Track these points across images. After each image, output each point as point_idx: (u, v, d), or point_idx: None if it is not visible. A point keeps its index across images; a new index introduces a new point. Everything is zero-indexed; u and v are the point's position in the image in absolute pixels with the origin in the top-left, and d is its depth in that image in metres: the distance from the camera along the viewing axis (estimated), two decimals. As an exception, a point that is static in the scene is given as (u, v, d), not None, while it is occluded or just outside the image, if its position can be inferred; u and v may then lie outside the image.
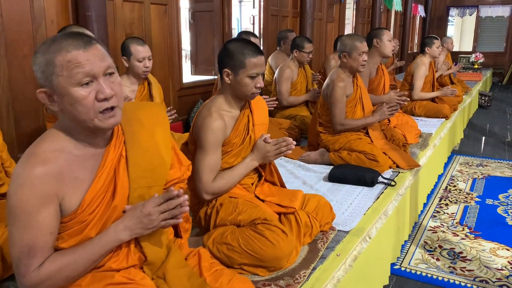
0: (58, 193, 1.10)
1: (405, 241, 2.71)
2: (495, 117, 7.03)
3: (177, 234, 1.46)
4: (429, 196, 3.47)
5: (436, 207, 3.29)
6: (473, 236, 2.82)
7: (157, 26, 3.97)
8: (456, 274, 2.37)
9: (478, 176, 4.04)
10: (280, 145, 1.83)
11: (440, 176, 3.96)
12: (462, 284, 2.28)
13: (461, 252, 2.61)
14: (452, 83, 6.08)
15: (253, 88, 1.75)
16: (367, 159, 2.77)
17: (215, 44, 4.94)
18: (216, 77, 4.11)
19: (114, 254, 1.21)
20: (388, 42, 3.57)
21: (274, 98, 3.07)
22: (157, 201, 1.19)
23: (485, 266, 2.45)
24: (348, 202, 2.33)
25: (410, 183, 2.78)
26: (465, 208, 3.29)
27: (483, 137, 5.68)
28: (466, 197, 3.51)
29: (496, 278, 2.33)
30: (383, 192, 2.48)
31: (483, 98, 7.76)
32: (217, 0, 4.85)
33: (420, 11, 11.99)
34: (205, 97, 4.58)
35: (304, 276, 1.59)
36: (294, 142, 1.85)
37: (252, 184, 1.92)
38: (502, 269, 2.42)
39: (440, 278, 2.34)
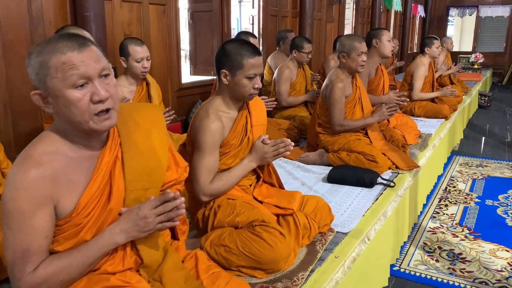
0: (53, 196, 1.09)
1: (404, 242, 2.70)
2: (495, 118, 7.01)
3: (174, 236, 1.45)
4: (428, 197, 3.46)
5: (435, 208, 3.28)
6: (473, 237, 2.81)
7: (156, 27, 3.96)
8: (456, 276, 2.36)
9: (478, 177, 4.03)
10: (278, 146, 1.82)
11: (439, 177, 3.95)
12: (462, 285, 2.27)
13: (460, 253, 2.60)
14: (451, 83, 6.07)
15: (251, 89, 1.74)
16: (366, 160, 2.76)
17: (214, 44, 4.93)
18: (215, 77, 4.10)
19: (110, 257, 1.20)
20: (387, 43, 3.56)
21: (273, 98, 3.06)
22: (153, 204, 1.18)
23: (484, 267, 2.44)
24: (347, 203, 2.32)
25: (410, 184, 2.77)
26: (465, 209, 3.28)
27: (483, 138, 5.67)
28: (465, 198, 3.50)
29: (496, 280, 2.32)
30: (382, 193, 2.47)
31: (483, 98, 7.75)
32: (216, 0, 4.84)
33: (420, 11, 11.98)
34: (204, 97, 4.57)
35: (302, 278, 1.59)
36: (292, 143, 1.84)
37: (250, 185, 1.91)
38: (501, 271, 2.41)
39: (439, 280, 2.33)
